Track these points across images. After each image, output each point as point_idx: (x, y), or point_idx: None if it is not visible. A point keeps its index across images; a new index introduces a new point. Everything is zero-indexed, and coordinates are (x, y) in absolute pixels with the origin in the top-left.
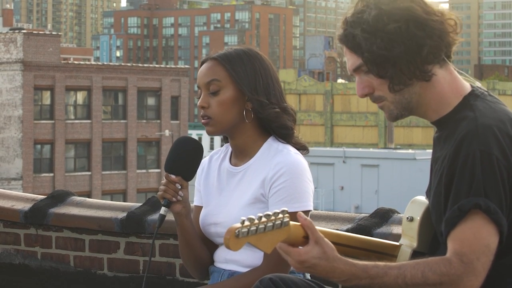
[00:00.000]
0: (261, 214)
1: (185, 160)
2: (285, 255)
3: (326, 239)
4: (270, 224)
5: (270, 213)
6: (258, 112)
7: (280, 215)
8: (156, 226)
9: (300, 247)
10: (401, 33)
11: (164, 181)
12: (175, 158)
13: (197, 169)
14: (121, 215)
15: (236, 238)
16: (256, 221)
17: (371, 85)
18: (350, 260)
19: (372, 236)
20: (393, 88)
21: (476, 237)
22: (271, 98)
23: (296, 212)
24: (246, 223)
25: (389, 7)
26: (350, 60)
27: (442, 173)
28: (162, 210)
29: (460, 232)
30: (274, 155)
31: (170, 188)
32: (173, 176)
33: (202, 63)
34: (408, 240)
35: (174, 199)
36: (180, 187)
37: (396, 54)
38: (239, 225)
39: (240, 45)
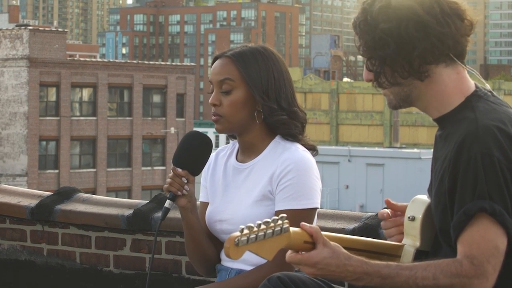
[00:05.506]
0: (260, 222)
1: (192, 154)
2: (297, 264)
3: (332, 243)
4: (270, 231)
5: (269, 220)
6: (265, 118)
7: (280, 222)
8: (160, 219)
9: (303, 252)
10: (397, 33)
11: (170, 174)
12: (183, 152)
13: (204, 164)
14: (128, 212)
15: (236, 247)
16: (255, 229)
17: None
18: (362, 258)
19: (378, 236)
20: (377, 84)
21: (484, 239)
22: (282, 101)
23: (303, 210)
24: (245, 231)
25: (396, 2)
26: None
27: (443, 176)
28: (167, 203)
29: (468, 236)
30: (282, 152)
31: (176, 182)
32: (179, 170)
33: (216, 58)
34: (411, 239)
35: (179, 192)
36: (186, 181)
37: (385, 55)
38: (238, 233)
39: (256, 44)
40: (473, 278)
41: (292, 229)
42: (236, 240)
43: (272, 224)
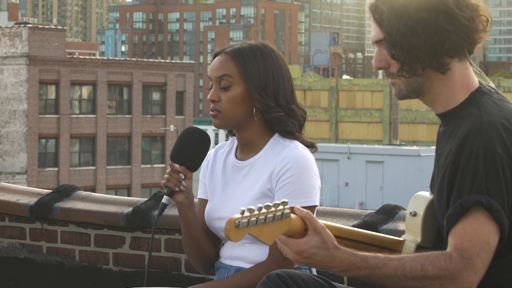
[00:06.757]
0: (261, 205)
1: (190, 150)
2: (283, 246)
3: (326, 229)
4: (270, 215)
5: (271, 204)
6: (263, 114)
7: (281, 207)
8: (157, 214)
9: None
10: (427, 23)
11: (168, 170)
12: (180, 148)
13: (202, 160)
14: (127, 210)
15: (237, 229)
16: (256, 212)
17: (388, 60)
18: (350, 249)
19: (378, 233)
20: (401, 73)
21: (477, 233)
22: (280, 99)
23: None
24: (246, 213)
25: None
26: (374, 31)
27: (446, 169)
28: (164, 199)
29: (461, 228)
30: (281, 150)
31: (173, 177)
32: (177, 166)
33: (216, 55)
34: (412, 235)
35: (176, 188)
36: (183, 177)
37: (414, 43)
38: (239, 215)
39: (256, 41)
40: (462, 270)
41: (293, 216)
42: (237, 222)
43: (273, 209)
